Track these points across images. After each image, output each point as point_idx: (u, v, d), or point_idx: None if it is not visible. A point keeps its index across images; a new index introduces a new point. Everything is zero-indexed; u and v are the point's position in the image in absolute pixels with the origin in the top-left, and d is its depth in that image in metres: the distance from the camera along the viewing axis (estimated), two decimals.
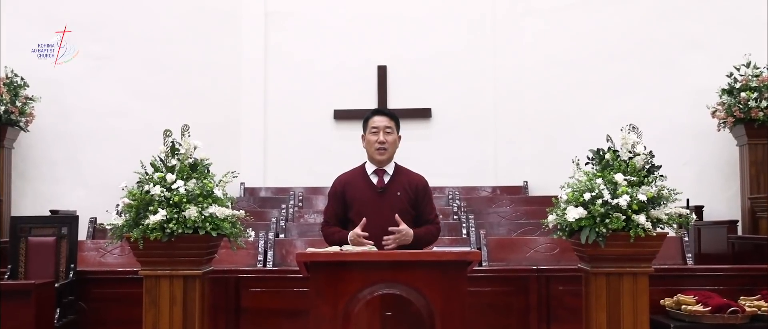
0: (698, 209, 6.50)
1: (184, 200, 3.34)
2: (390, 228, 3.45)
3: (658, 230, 3.32)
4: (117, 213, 3.45)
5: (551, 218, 3.44)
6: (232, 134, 8.25)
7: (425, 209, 3.67)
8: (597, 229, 3.22)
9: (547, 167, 7.49)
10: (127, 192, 3.42)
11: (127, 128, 7.52)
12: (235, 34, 8.40)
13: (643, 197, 3.23)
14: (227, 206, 3.47)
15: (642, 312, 3.35)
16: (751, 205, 6.38)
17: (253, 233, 4.56)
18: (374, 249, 3.24)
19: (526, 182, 8.03)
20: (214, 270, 3.86)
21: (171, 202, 3.34)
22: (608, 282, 3.36)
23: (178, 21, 8.04)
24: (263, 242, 5.41)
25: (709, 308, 3.96)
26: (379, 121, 3.65)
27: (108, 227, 3.48)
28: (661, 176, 3.39)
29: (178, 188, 3.37)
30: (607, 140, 3.49)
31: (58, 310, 4.30)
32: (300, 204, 7.28)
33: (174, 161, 3.48)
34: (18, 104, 6.75)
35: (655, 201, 3.30)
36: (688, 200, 5.51)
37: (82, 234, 5.82)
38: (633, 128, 3.44)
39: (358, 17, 8.47)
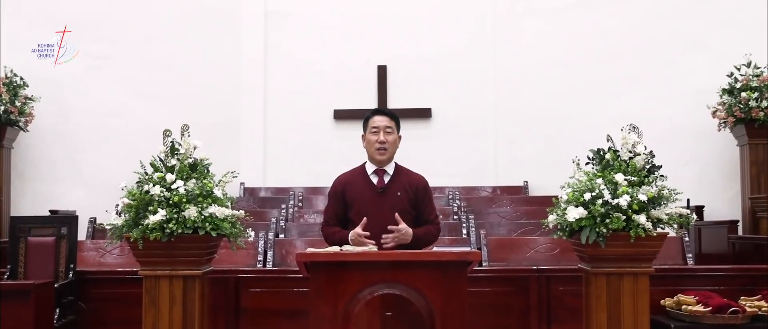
0: (699, 210, 6.48)
1: (184, 200, 3.34)
2: (389, 227, 3.44)
3: (659, 230, 3.32)
4: (116, 213, 3.45)
5: (551, 218, 3.44)
6: (232, 134, 8.24)
7: (425, 210, 3.66)
8: (597, 229, 3.22)
9: (548, 167, 7.48)
10: (127, 192, 3.42)
11: (126, 128, 7.52)
12: (234, 34, 8.40)
13: (643, 197, 3.23)
14: (227, 206, 3.46)
15: (642, 312, 3.34)
16: (752, 205, 6.38)
17: (252, 234, 4.56)
18: (375, 248, 3.23)
19: (527, 182, 8.03)
20: (214, 270, 3.86)
21: (171, 202, 3.34)
22: (609, 282, 3.36)
23: (178, 21, 8.03)
24: (263, 242, 5.40)
25: (710, 308, 3.96)
26: (379, 121, 3.64)
27: (107, 227, 3.48)
28: (662, 176, 3.39)
29: (178, 188, 3.37)
30: (608, 140, 3.48)
31: (57, 310, 4.29)
32: (300, 204, 7.27)
33: (174, 161, 3.48)
34: (17, 103, 6.74)
35: (655, 201, 3.30)
36: (688, 200, 5.49)
37: (82, 234, 5.82)
38: (633, 128, 3.43)
39: (358, 17, 8.47)
